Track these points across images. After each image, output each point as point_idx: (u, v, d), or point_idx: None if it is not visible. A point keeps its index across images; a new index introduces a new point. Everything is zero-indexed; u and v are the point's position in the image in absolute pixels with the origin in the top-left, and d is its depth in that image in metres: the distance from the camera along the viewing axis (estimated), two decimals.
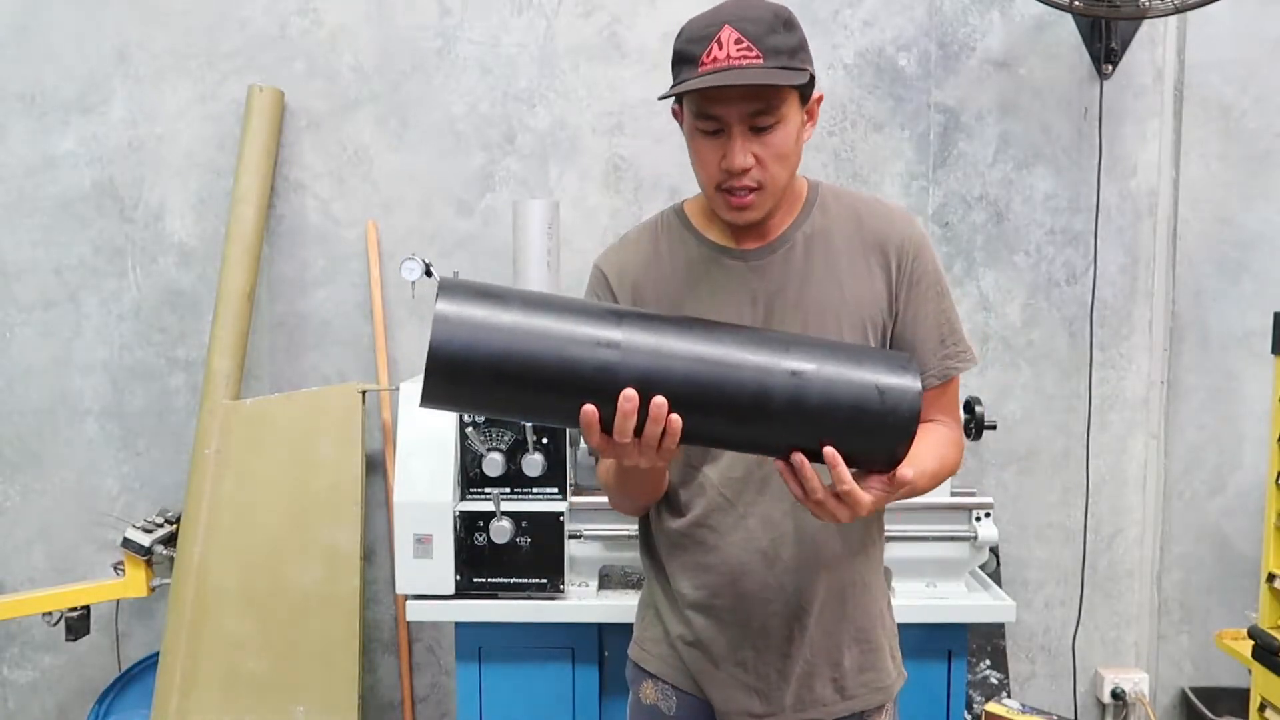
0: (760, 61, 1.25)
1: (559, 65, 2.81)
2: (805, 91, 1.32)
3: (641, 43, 2.80)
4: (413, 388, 2.18)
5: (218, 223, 2.82)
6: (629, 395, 1.11)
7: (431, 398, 1.14)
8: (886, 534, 2.11)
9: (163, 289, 2.87)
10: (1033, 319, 2.87)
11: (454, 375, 1.11)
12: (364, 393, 2.70)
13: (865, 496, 1.19)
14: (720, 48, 1.25)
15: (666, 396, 1.13)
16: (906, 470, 1.20)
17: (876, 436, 1.19)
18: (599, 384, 1.13)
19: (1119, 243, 2.85)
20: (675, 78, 1.32)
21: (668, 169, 2.82)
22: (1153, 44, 2.80)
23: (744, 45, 1.25)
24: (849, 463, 1.18)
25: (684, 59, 1.30)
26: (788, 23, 1.29)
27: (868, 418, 1.18)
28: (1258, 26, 2.79)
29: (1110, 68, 2.77)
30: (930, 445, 1.41)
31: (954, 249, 2.86)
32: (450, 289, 1.13)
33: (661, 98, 1.33)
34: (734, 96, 1.26)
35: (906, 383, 1.19)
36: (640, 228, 1.52)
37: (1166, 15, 2.50)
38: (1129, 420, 2.90)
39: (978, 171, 2.84)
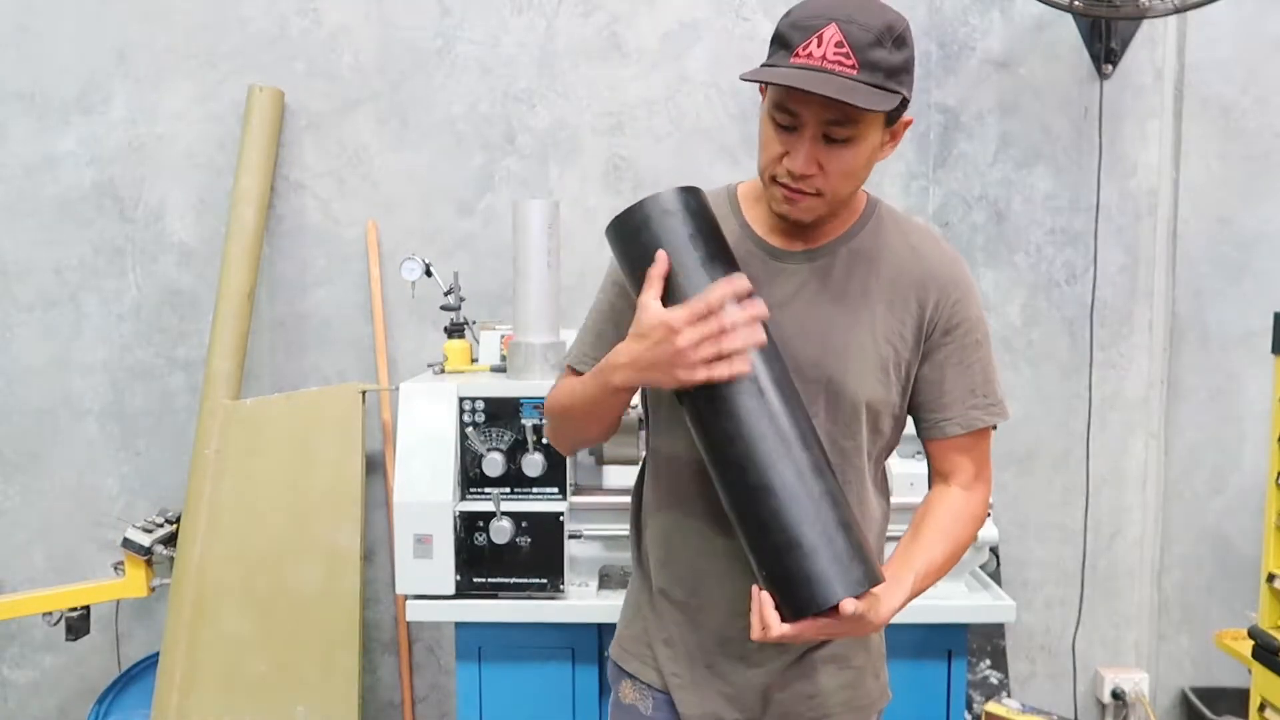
0: (854, 73, 1.18)
1: (559, 65, 2.81)
2: (893, 113, 1.26)
3: (641, 43, 2.80)
4: (413, 387, 2.19)
5: (218, 223, 2.82)
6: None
7: (620, 223, 1.29)
8: (888, 534, 2.12)
9: (163, 289, 2.87)
10: (1033, 319, 2.88)
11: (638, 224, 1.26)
12: (364, 393, 2.70)
13: (776, 632, 1.20)
14: (819, 45, 1.18)
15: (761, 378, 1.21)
16: (848, 605, 1.18)
17: (793, 580, 1.21)
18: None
19: (1119, 243, 2.85)
20: (770, 56, 1.25)
21: (668, 169, 2.82)
22: (1153, 44, 2.80)
23: (843, 50, 1.18)
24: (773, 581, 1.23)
25: (782, 42, 1.23)
26: (899, 39, 1.21)
27: (801, 556, 1.20)
28: (1258, 26, 2.79)
29: (1110, 68, 2.77)
30: (935, 531, 1.39)
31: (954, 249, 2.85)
32: (695, 193, 1.28)
33: (744, 78, 1.26)
34: (815, 100, 1.19)
35: (852, 576, 1.20)
36: None
37: (1166, 15, 2.50)
38: (1129, 420, 2.90)
39: (978, 171, 2.84)
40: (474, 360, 2.47)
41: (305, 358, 2.88)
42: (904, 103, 1.25)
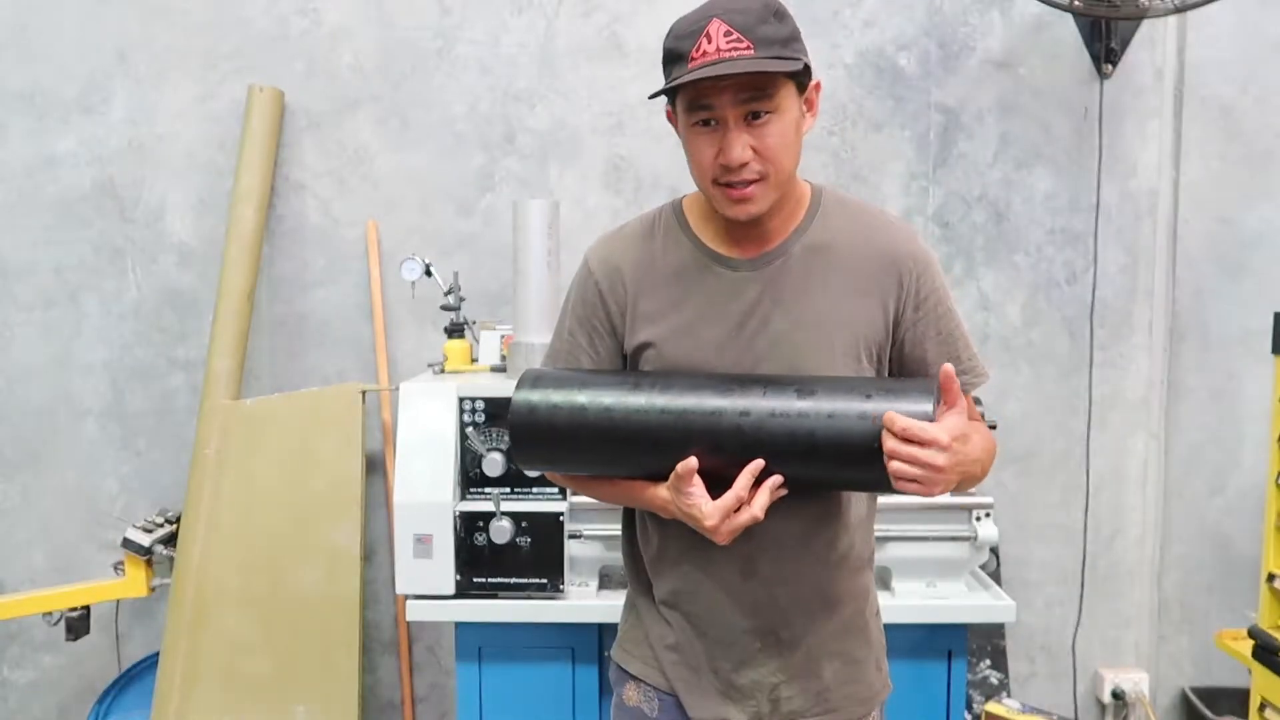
0: (751, 52, 1.23)
1: (559, 65, 2.81)
2: (802, 81, 1.30)
3: (641, 42, 2.80)
4: (413, 387, 2.18)
5: (218, 223, 2.82)
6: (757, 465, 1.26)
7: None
8: (887, 534, 2.12)
9: (163, 289, 2.87)
10: (1033, 319, 2.87)
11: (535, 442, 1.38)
12: (364, 393, 2.70)
13: (936, 432, 1.18)
14: (710, 41, 1.23)
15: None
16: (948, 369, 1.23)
17: (904, 389, 1.27)
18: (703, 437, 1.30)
19: (1119, 243, 2.85)
20: (666, 77, 1.30)
21: (668, 169, 2.82)
22: (1153, 44, 2.80)
23: (734, 37, 1.23)
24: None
25: (674, 57, 1.27)
26: (778, 13, 1.27)
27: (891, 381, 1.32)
28: (1258, 26, 2.79)
29: (1110, 68, 2.77)
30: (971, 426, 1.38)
31: (954, 249, 2.85)
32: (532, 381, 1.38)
33: (653, 96, 1.32)
34: (727, 88, 1.24)
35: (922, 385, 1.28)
36: (638, 221, 1.48)
37: (1166, 15, 2.50)
38: (1129, 420, 2.90)
39: (978, 171, 2.84)
40: (474, 360, 2.47)
41: (305, 358, 2.88)
42: (807, 70, 1.30)
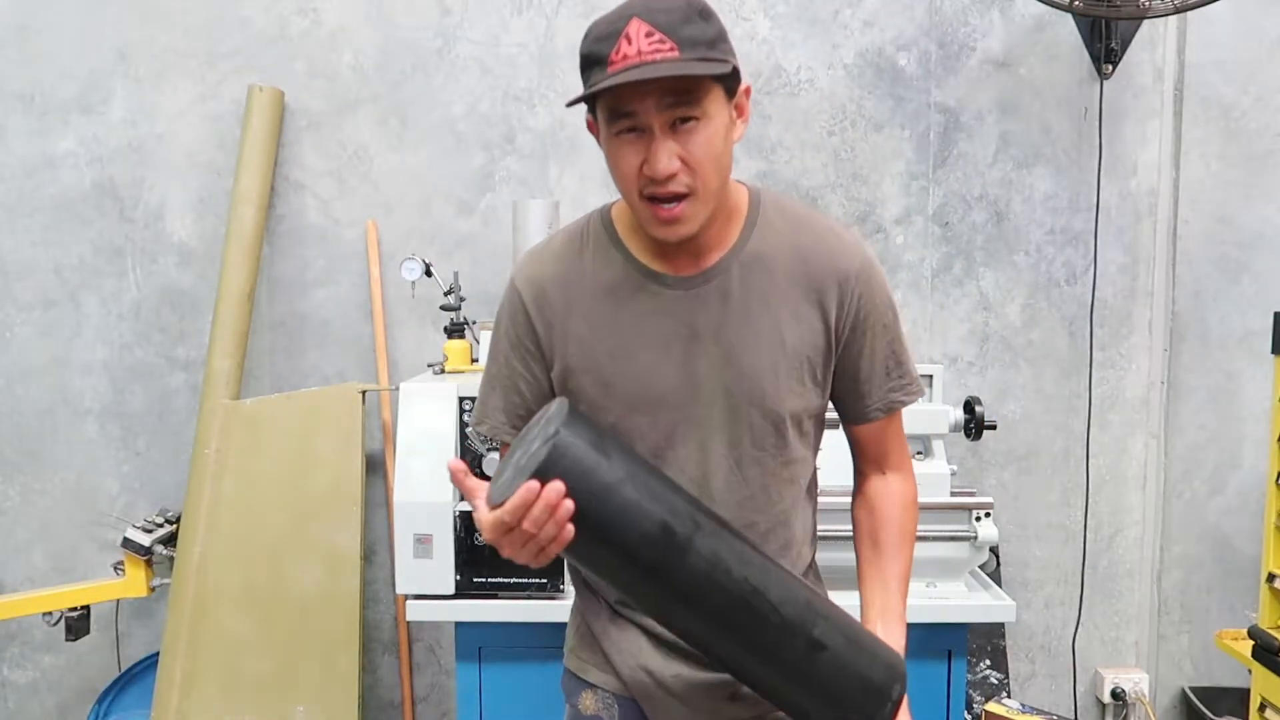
0: (675, 53, 1.13)
1: (559, 65, 2.81)
2: (730, 85, 1.21)
3: None
4: (413, 387, 2.18)
5: (218, 223, 2.82)
6: (531, 488, 1.06)
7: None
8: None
9: (163, 289, 2.87)
10: (1033, 319, 2.88)
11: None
12: (364, 393, 2.70)
13: None
14: (630, 43, 1.14)
15: (703, 610, 1.16)
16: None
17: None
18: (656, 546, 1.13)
19: (1119, 243, 2.85)
20: (585, 84, 1.19)
21: None
22: (1153, 44, 2.80)
23: (656, 37, 1.13)
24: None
25: (592, 61, 1.17)
26: (703, 12, 1.18)
27: (845, 703, 1.22)
28: (1258, 26, 2.79)
29: (1110, 68, 2.77)
30: (895, 537, 1.39)
31: (954, 249, 2.86)
32: (575, 421, 1.12)
33: (570, 103, 1.22)
34: (651, 93, 1.15)
35: (891, 692, 1.22)
36: (565, 235, 1.38)
37: (1166, 15, 2.50)
38: (1129, 420, 2.90)
39: (978, 171, 2.84)
40: (474, 360, 2.47)
41: (305, 358, 2.88)
42: (736, 73, 1.21)
